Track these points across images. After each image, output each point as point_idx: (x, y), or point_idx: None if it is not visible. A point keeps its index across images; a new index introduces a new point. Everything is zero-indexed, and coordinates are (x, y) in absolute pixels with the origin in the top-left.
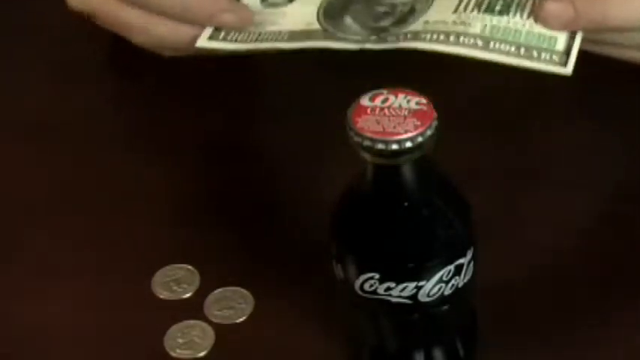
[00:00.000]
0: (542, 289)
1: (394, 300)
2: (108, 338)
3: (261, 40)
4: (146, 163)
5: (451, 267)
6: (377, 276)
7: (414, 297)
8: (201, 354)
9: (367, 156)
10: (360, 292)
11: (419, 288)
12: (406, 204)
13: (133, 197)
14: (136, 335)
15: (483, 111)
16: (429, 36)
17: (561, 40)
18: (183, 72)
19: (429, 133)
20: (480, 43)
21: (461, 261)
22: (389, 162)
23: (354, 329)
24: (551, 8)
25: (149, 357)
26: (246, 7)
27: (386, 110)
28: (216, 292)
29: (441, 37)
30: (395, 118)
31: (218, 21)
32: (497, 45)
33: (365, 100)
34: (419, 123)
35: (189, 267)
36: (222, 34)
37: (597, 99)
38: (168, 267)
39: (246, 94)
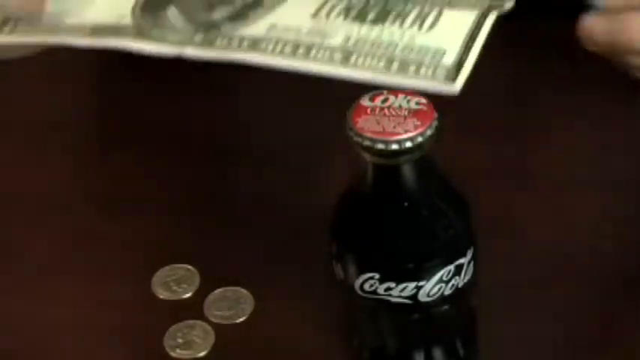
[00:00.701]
0: (542, 289)
1: (394, 300)
2: (108, 338)
3: (56, 32)
4: (146, 164)
5: (451, 267)
6: (377, 276)
7: (414, 297)
8: (201, 354)
9: (367, 156)
10: (360, 292)
11: (419, 288)
12: (406, 204)
13: (133, 197)
14: (136, 335)
15: (483, 111)
16: (271, 46)
17: (452, 52)
18: (185, 73)
19: (429, 133)
20: (337, 57)
21: (461, 261)
22: (389, 162)
23: (354, 329)
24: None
25: (149, 357)
26: None
27: (386, 110)
28: (216, 292)
29: (287, 48)
30: (395, 118)
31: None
32: (360, 60)
33: (365, 100)
34: (419, 123)
35: (189, 267)
36: (11, 25)
37: (597, 98)
38: (168, 267)
39: (247, 94)
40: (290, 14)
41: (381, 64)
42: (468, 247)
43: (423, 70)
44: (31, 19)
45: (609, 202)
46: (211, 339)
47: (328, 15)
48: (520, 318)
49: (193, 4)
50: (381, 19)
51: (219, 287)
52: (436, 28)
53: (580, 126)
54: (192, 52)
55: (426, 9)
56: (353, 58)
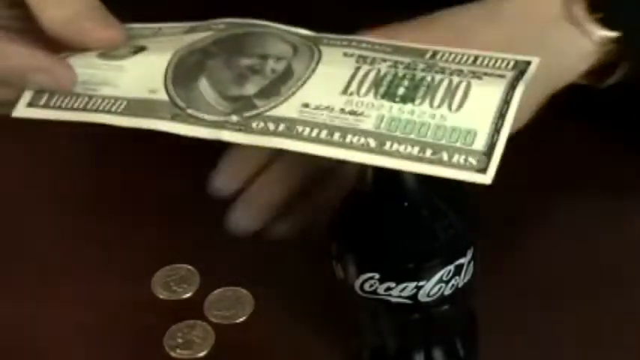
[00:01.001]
0: (542, 290)
1: (394, 300)
2: (108, 338)
3: (90, 109)
4: (146, 163)
5: (451, 267)
6: (377, 276)
7: (414, 297)
8: (201, 354)
9: None
10: (360, 292)
11: (419, 288)
12: (406, 204)
13: (133, 197)
14: (136, 335)
15: None
16: (307, 131)
17: (481, 135)
18: None
19: None
20: (372, 143)
21: (461, 261)
22: None
23: (354, 329)
24: None
25: (149, 357)
26: (65, 64)
27: None
28: (216, 292)
29: (323, 133)
30: None
31: (30, 81)
32: (394, 146)
33: None
34: None
35: (189, 267)
36: (45, 98)
37: (598, 99)
38: (168, 267)
39: None
40: (320, 90)
41: (415, 150)
42: (468, 247)
43: (455, 158)
44: (65, 90)
45: (609, 202)
46: (211, 339)
47: (358, 91)
48: (520, 318)
49: (224, 76)
50: (410, 95)
51: (219, 287)
52: (465, 106)
53: (581, 125)
54: (229, 136)
55: (455, 80)
56: (387, 145)
